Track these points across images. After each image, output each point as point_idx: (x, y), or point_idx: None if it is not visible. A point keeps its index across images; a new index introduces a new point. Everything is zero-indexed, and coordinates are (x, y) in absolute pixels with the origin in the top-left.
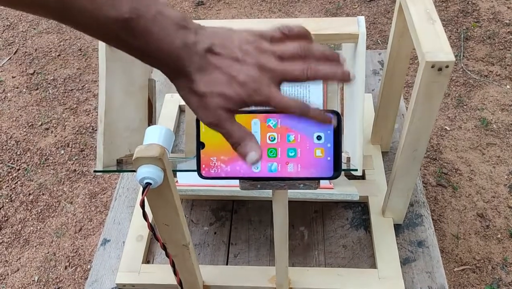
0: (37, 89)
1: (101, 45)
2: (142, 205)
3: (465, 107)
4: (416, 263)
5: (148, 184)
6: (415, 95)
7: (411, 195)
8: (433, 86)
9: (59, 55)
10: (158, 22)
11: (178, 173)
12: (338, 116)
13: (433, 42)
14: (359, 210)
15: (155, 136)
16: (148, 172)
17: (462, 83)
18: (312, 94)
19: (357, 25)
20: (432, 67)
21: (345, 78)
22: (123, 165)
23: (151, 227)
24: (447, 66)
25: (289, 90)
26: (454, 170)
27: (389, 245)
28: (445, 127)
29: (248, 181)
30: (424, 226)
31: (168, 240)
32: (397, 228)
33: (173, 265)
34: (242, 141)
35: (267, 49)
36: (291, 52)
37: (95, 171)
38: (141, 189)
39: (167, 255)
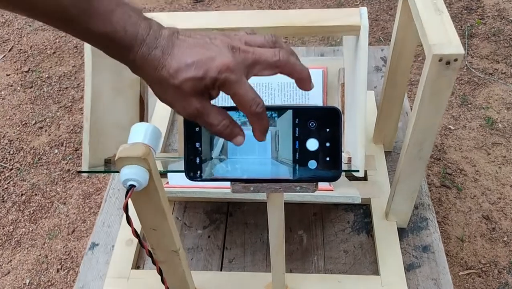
0: (31, 87)
1: None
2: (126, 209)
3: (469, 105)
4: (421, 269)
5: (132, 186)
6: (421, 90)
7: (416, 197)
8: (440, 81)
9: (54, 52)
10: (121, 7)
11: (169, 174)
12: (339, 113)
13: (441, 34)
14: (361, 213)
15: (141, 135)
16: (131, 173)
17: (467, 81)
18: (312, 91)
19: (359, 16)
20: (440, 60)
21: (307, 83)
22: (112, 165)
23: (135, 233)
24: (455, 60)
25: (288, 87)
26: (458, 171)
27: (393, 250)
28: (449, 126)
29: (240, 183)
30: (429, 230)
31: (156, 245)
32: (401, 232)
33: (160, 273)
34: (225, 129)
35: (235, 36)
36: (261, 41)
37: (79, 172)
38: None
39: (154, 262)
